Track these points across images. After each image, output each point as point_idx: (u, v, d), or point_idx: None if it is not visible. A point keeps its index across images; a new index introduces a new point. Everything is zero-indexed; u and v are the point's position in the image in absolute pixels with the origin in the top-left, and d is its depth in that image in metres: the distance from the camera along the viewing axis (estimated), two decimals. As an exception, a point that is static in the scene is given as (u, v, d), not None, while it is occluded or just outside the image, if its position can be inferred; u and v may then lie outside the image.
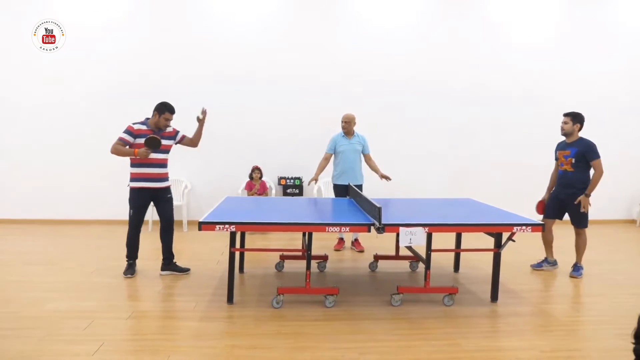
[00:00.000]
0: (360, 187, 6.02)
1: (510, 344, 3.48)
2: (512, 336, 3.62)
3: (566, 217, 5.28)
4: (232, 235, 4.10)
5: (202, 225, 3.80)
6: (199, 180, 7.91)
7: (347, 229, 4.14)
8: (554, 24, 8.32)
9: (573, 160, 5.07)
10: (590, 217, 5.18)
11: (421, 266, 5.23)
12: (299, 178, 7.82)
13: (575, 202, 5.04)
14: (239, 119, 7.85)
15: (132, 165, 4.82)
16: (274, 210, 4.61)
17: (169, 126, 4.94)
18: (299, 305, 4.13)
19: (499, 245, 4.30)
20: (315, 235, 4.38)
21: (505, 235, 4.29)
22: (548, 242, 5.36)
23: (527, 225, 4.03)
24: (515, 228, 4.05)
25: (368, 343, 3.42)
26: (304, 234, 4.61)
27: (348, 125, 6.07)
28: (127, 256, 5.00)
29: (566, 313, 4.18)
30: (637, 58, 8.46)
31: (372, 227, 3.87)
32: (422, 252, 4.36)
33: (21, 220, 7.66)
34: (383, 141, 7.72)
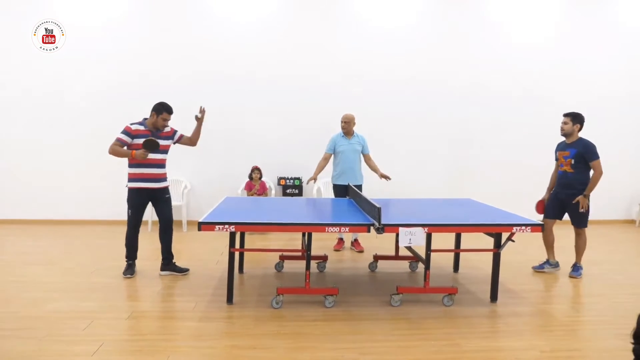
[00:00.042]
0: (359, 187, 6.02)
1: (509, 344, 3.48)
2: (511, 336, 3.62)
3: (566, 217, 5.28)
4: (232, 236, 4.10)
5: (202, 226, 3.80)
6: (198, 181, 7.91)
7: (347, 229, 4.14)
8: (554, 24, 8.32)
9: (572, 161, 5.07)
10: (590, 217, 5.17)
11: (421, 266, 5.23)
12: (298, 178, 7.82)
13: (574, 202, 5.04)
14: (238, 119, 7.86)
15: (130, 165, 4.82)
16: (273, 211, 4.61)
17: (166, 126, 4.93)
18: (299, 306, 4.13)
19: (498, 246, 4.30)
20: (314, 235, 4.38)
21: (504, 236, 4.30)
22: (549, 244, 5.34)
23: (526, 225, 4.03)
24: (514, 228, 4.05)
25: (368, 343, 3.42)
26: (303, 234, 4.61)
27: (348, 126, 6.07)
28: (127, 256, 5.00)
29: (566, 313, 4.18)
30: (636, 58, 8.46)
31: (371, 228, 3.88)
32: (422, 252, 4.36)
33: (21, 220, 7.66)
34: (383, 141, 7.72)
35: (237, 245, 4.66)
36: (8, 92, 7.59)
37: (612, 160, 7.91)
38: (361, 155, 6.21)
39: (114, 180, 7.08)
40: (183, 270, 5.03)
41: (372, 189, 6.29)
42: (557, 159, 5.34)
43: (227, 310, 4.04)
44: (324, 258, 5.32)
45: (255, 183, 7.54)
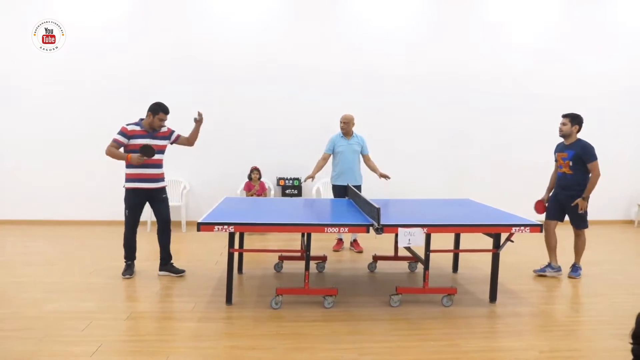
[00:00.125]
0: (359, 187, 6.02)
1: (509, 344, 3.48)
2: (510, 336, 3.62)
3: (566, 218, 5.27)
4: (231, 236, 4.10)
5: (201, 226, 3.80)
6: (197, 181, 7.90)
7: (346, 229, 4.16)
8: (554, 24, 8.32)
9: (571, 163, 5.05)
10: (589, 217, 5.17)
11: (420, 267, 5.22)
12: (297, 179, 7.81)
13: (573, 205, 5.03)
14: (238, 120, 7.85)
15: (128, 165, 4.81)
16: (272, 211, 4.61)
17: (163, 126, 4.92)
18: (298, 306, 4.13)
19: (497, 246, 4.31)
20: (314, 235, 4.37)
21: (503, 236, 4.30)
22: (551, 246, 5.26)
23: (525, 225, 4.03)
24: (513, 229, 4.05)
25: (367, 344, 3.42)
26: (302, 235, 4.61)
27: (347, 126, 6.07)
28: (125, 257, 5.00)
29: (565, 313, 4.19)
30: (636, 58, 8.47)
31: (370, 228, 3.88)
32: (421, 253, 4.36)
33: (21, 220, 7.65)
34: (382, 141, 7.72)
35: (237, 246, 4.65)
36: (8, 92, 7.58)
37: (611, 161, 7.94)
38: (360, 156, 6.21)
39: (114, 181, 7.05)
40: (179, 272, 5.02)
41: (371, 190, 6.29)
42: (556, 160, 5.34)
43: (227, 310, 4.04)
44: (323, 258, 5.31)
45: (254, 183, 7.54)
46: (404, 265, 5.44)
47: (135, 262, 5.06)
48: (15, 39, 7.46)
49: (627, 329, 1.89)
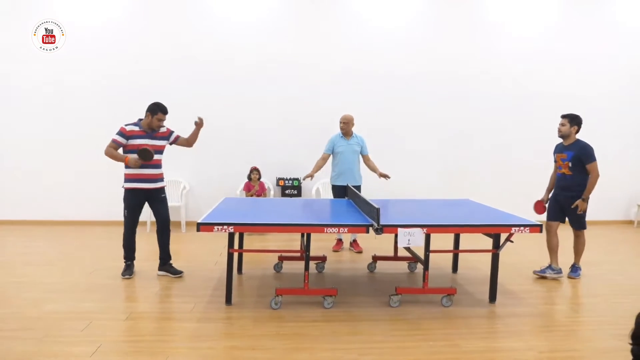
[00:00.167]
0: (358, 188, 6.02)
1: (508, 344, 3.48)
2: (510, 337, 3.62)
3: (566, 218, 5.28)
4: (231, 236, 4.10)
5: (201, 226, 3.80)
6: (197, 181, 7.90)
7: (346, 229, 4.16)
8: (554, 24, 8.32)
9: (570, 164, 5.04)
10: (588, 217, 5.17)
11: (419, 267, 5.22)
12: (297, 179, 7.81)
13: (572, 207, 5.03)
14: (237, 120, 7.85)
15: (126, 165, 4.82)
16: (272, 211, 4.61)
17: (162, 126, 4.91)
18: (298, 306, 4.13)
19: (497, 246, 4.31)
20: (313, 236, 4.38)
21: (503, 236, 4.30)
22: (553, 248, 5.21)
23: (525, 226, 4.03)
24: (513, 229, 4.05)
25: (367, 344, 3.42)
26: (302, 235, 4.61)
27: (346, 126, 6.08)
28: (125, 257, 5.00)
29: (564, 314, 4.19)
30: (636, 58, 8.47)
31: (370, 228, 3.88)
32: (421, 253, 4.36)
33: (20, 221, 7.65)
34: (381, 141, 7.72)
35: (236, 246, 4.65)
36: (8, 92, 7.58)
37: (611, 161, 7.95)
38: (360, 156, 6.22)
39: (113, 181, 7.06)
40: (177, 273, 5.01)
41: (371, 190, 6.29)
42: (555, 161, 5.33)
43: (226, 311, 4.04)
44: (322, 259, 5.32)
45: (254, 184, 7.54)
46: (403, 266, 5.45)
47: (135, 262, 5.06)
48: (15, 39, 7.46)
49: (626, 329, 1.89)
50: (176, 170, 7.59)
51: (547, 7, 8.30)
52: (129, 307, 4.14)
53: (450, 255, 5.44)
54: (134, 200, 4.89)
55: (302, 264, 4.37)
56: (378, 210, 3.78)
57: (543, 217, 5.39)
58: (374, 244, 6.32)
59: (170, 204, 5.19)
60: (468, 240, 5.16)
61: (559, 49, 8.30)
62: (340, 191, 6.09)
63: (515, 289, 4.75)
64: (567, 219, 5.21)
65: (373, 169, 6.21)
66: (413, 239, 3.83)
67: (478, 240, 4.65)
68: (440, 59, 8.11)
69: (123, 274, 4.90)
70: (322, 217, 4.48)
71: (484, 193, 7.58)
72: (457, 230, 4.46)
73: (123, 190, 4.90)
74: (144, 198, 4.93)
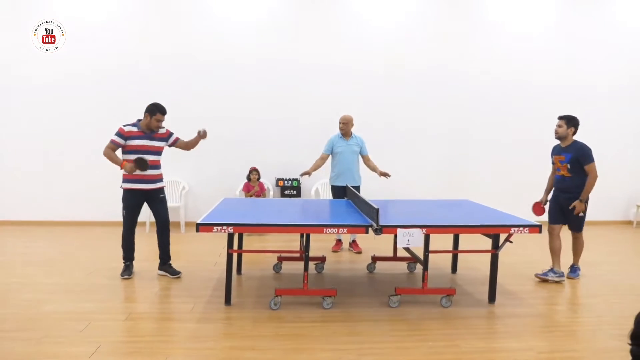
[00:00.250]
0: (357, 188, 6.02)
1: (507, 345, 3.48)
2: (509, 337, 3.62)
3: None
4: (230, 237, 4.10)
5: (200, 227, 3.80)
6: (196, 182, 7.90)
7: (345, 230, 4.15)
8: (553, 25, 8.32)
9: (569, 166, 5.01)
10: (587, 218, 5.15)
11: (419, 267, 5.23)
12: (296, 179, 7.81)
13: (570, 207, 5.01)
14: (236, 120, 7.85)
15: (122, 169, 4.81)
16: (271, 212, 4.61)
17: (161, 127, 4.90)
18: (297, 307, 4.13)
19: (496, 247, 4.31)
20: (313, 236, 4.37)
21: (502, 237, 4.30)
22: (556, 251, 5.16)
23: (524, 226, 4.03)
24: (512, 229, 4.06)
25: (366, 344, 3.42)
26: (301, 236, 4.61)
27: (346, 127, 6.08)
28: (124, 258, 4.99)
29: (564, 314, 4.19)
30: (635, 58, 8.48)
31: (369, 229, 3.88)
32: (420, 253, 4.37)
33: (20, 221, 7.64)
34: (381, 142, 7.73)
35: (235, 247, 4.66)
36: (8, 92, 7.57)
37: (610, 161, 7.97)
38: (359, 157, 6.21)
39: (113, 181, 7.06)
40: (175, 273, 5.00)
41: (370, 190, 6.29)
42: (553, 163, 5.30)
43: (225, 311, 4.04)
44: (322, 259, 5.32)
45: (253, 184, 7.54)
46: (403, 266, 5.45)
47: (134, 262, 5.06)
48: (15, 39, 7.45)
49: (626, 329, 1.89)
50: (175, 171, 7.59)
51: (547, 7, 8.31)
52: (129, 307, 4.14)
53: (450, 255, 5.44)
54: (132, 201, 4.89)
55: (301, 264, 4.38)
56: (377, 210, 3.78)
57: (542, 218, 5.39)
58: (373, 244, 6.32)
59: (169, 204, 5.19)
60: (467, 240, 5.16)
61: (558, 49, 8.31)
62: (339, 191, 6.09)
63: (515, 290, 4.75)
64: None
65: (373, 168, 6.21)
66: (412, 240, 3.83)
67: (477, 241, 4.65)
68: (440, 59, 8.11)
69: (122, 275, 4.90)
70: (322, 218, 4.48)
71: (484, 193, 7.59)
72: (457, 230, 4.46)
73: (122, 190, 4.90)
74: (143, 198, 4.93)
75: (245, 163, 7.74)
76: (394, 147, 8.06)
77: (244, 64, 7.79)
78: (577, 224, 5.09)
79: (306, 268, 4.12)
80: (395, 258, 5.28)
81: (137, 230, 5.04)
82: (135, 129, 4.79)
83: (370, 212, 4.06)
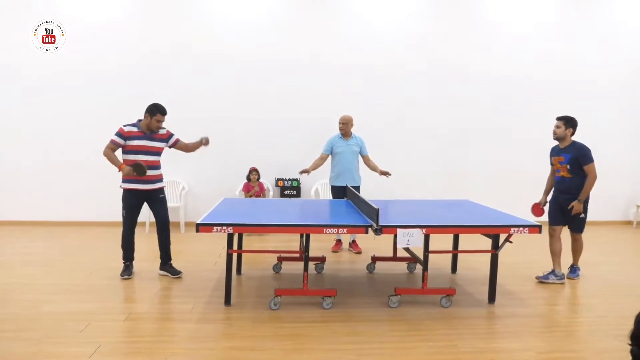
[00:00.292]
0: (357, 188, 6.02)
1: (507, 345, 3.48)
2: (509, 337, 3.62)
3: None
4: (230, 237, 4.10)
5: (200, 227, 3.80)
6: (196, 182, 7.90)
7: (345, 230, 4.15)
8: (553, 25, 8.32)
9: (568, 166, 4.98)
10: (587, 218, 5.14)
11: (419, 267, 5.23)
12: (296, 179, 7.81)
13: (569, 207, 4.99)
14: (236, 120, 7.85)
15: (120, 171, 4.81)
16: (271, 212, 4.61)
17: (161, 128, 4.90)
18: (297, 307, 4.13)
19: (496, 247, 4.31)
20: (312, 236, 4.37)
21: (502, 237, 4.30)
22: (556, 252, 5.13)
23: (524, 226, 4.03)
24: (512, 229, 4.05)
25: (366, 345, 3.42)
26: (301, 236, 4.61)
27: (345, 127, 6.08)
28: (124, 258, 4.99)
29: (563, 314, 4.19)
30: (636, 58, 8.47)
31: (369, 229, 3.88)
32: (420, 254, 4.36)
33: (20, 221, 7.64)
34: (381, 142, 7.74)
35: (235, 247, 4.66)
36: (7, 92, 7.57)
37: (610, 162, 7.97)
38: (359, 157, 6.21)
39: (113, 181, 7.06)
40: (176, 273, 5.00)
41: (370, 190, 6.29)
42: (552, 164, 5.27)
43: (225, 311, 4.03)
44: (322, 259, 5.31)
45: (253, 184, 7.54)
46: (402, 266, 5.45)
47: (134, 262, 5.06)
48: (15, 39, 7.45)
49: (625, 329, 1.89)
50: (175, 171, 7.58)
51: (547, 7, 8.31)
52: (128, 307, 4.14)
53: (450, 255, 5.44)
54: (132, 201, 4.89)
55: (301, 264, 4.37)
56: (377, 210, 3.78)
57: (541, 218, 5.38)
58: (373, 244, 6.31)
59: (169, 204, 5.19)
60: (467, 240, 5.16)
61: (558, 49, 8.30)
62: (339, 192, 6.09)
63: (515, 290, 4.75)
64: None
65: (373, 168, 6.21)
66: (412, 240, 3.83)
67: (477, 241, 4.65)
68: (440, 59, 8.11)
69: (122, 275, 4.89)
70: (321, 218, 4.48)
71: (483, 193, 7.58)
72: (457, 230, 4.46)
73: (122, 190, 4.90)
74: (143, 198, 4.93)
75: (245, 163, 7.74)
76: (394, 147, 8.06)
77: (244, 64, 7.79)
78: (578, 225, 5.08)
79: (306, 268, 4.12)
80: (395, 258, 5.27)
81: (137, 230, 5.05)
82: (135, 129, 4.78)
83: (370, 212, 4.06)
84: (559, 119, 5.11)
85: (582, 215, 5.01)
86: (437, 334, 3.65)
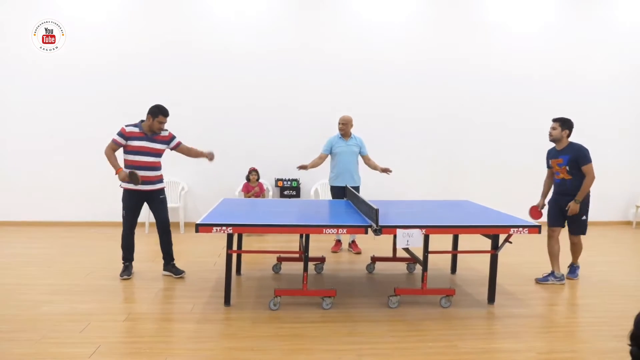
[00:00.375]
0: (357, 189, 6.02)
1: (507, 345, 3.48)
2: (509, 338, 3.62)
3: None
4: (229, 237, 4.10)
5: (199, 227, 3.79)
6: (195, 182, 7.90)
7: (345, 230, 4.15)
8: (553, 25, 8.32)
9: (568, 168, 4.95)
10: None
11: (418, 268, 5.23)
12: (296, 180, 7.81)
13: (566, 208, 4.98)
14: (236, 120, 7.85)
15: (126, 166, 4.81)
16: (271, 212, 4.61)
17: (163, 129, 4.89)
18: (296, 307, 4.13)
19: (495, 247, 4.31)
20: (312, 237, 4.36)
21: (502, 237, 4.30)
22: (555, 254, 5.11)
23: (524, 227, 4.03)
24: (512, 230, 4.05)
25: (365, 345, 3.42)
26: (301, 236, 4.61)
27: (345, 127, 6.08)
28: (123, 258, 4.99)
29: (563, 315, 4.19)
30: (636, 58, 8.47)
31: (369, 229, 3.88)
32: (420, 254, 4.36)
33: (20, 221, 7.64)
34: (381, 142, 7.73)
35: (235, 247, 4.66)
36: (7, 93, 7.57)
37: (609, 162, 7.97)
38: (359, 157, 6.21)
39: (113, 181, 7.06)
40: (178, 273, 5.00)
41: (370, 191, 6.29)
42: (549, 167, 5.23)
43: (225, 312, 4.03)
44: (321, 260, 5.31)
45: (252, 184, 7.54)
46: (402, 267, 5.44)
47: (134, 263, 5.06)
48: (15, 39, 7.45)
49: (625, 330, 1.89)
50: (175, 171, 7.58)
51: (547, 7, 8.31)
52: (128, 308, 4.14)
53: (449, 256, 5.44)
54: (132, 201, 4.89)
55: (300, 264, 4.37)
56: (377, 211, 3.78)
57: (540, 219, 5.38)
58: (373, 244, 6.32)
59: (168, 204, 5.18)
60: (467, 241, 5.16)
61: (558, 49, 8.30)
62: (339, 192, 6.09)
63: (514, 290, 4.75)
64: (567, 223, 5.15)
65: (374, 167, 6.20)
66: (412, 240, 3.83)
67: (477, 241, 4.65)
68: (440, 59, 8.11)
69: (121, 275, 4.89)
70: (321, 218, 4.48)
71: (483, 194, 7.58)
72: (456, 231, 4.46)
73: (122, 190, 4.90)
74: (143, 199, 4.93)
75: (245, 163, 7.74)
76: (394, 147, 8.06)
77: (244, 64, 7.79)
78: (578, 227, 5.03)
79: (305, 268, 4.12)
80: (394, 258, 5.28)
81: (137, 230, 5.04)
82: (137, 129, 4.78)
83: (369, 212, 4.06)
84: (554, 120, 5.08)
85: (584, 217, 4.99)
86: (436, 334, 3.65)
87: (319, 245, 6.41)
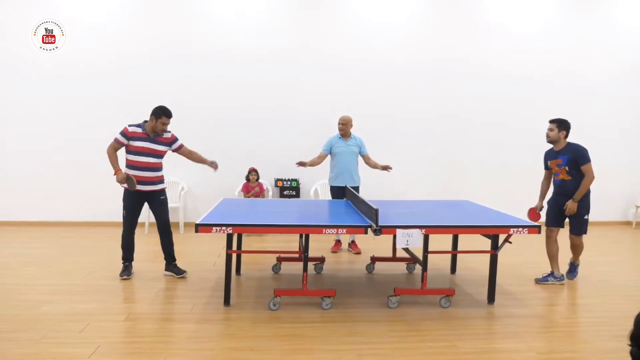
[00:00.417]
0: (357, 189, 6.02)
1: (506, 345, 3.48)
2: (508, 338, 3.62)
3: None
4: (229, 237, 4.10)
5: (199, 227, 3.79)
6: (195, 182, 7.90)
7: (344, 230, 4.15)
8: (553, 25, 8.32)
9: (567, 168, 4.93)
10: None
11: (418, 268, 5.23)
12: (295, 180, 7.81)
13: (564, 207, 4.96)
14: (236, 121, 7.85)
15: (127, 166, 4.82)
16: (270, 212, 4.61)
17: (166, 131, 4.90)
18: (296, 307, 4.12)
19: (495, 247, 4.31)
20: (312, 237, 4.36)
21: (502, 237, 4.30)
22: (553, 255, 5.10)
23: (523, 227, 4.03)
24: (512, 230, 4.05)
25: (365, 345, 3.42)
26: (300, 236, 4.61)
27: (345, 127, 6.07)
28: (123, 258, 4.99)
29: (563, 315, 4.19)
30: (636, 59, 8.47)
31: (369, 229, 3.88)
32: (419, 254, 4.36)
33: (20, 221, 7.64)
34: (381, 142, 7.73)
35: (235, 247, 4.66)
36: (7, 93, 7.57)
37: (609, 162, 7.98)
38: (358, 157, 6.21)
39: (113, 181, 7.06)
40: (180, 273, 5.01)
41: (369, 191, 6.28)
42: (548, 168, 5.21)
43: (225, 312, 4.03)
44: (321, 260, 5.31)
45: (252, 184, 7.54)
46: (402, 267, 5.44)
47: (134, 263, 5.06)
48: (15, 39, 7.45)
49: (625, 330, 1.89)
50: (175, 171, 7.57)
51: (547, 7, 8.31)
52: (128, 308, 4.14)
53: (449, 256, 5.44)
54: (132, 201, 4.89)
55: (300, 265, 4.37)
56: (376, 211, 3.78)
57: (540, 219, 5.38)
58: (373, 244, 6.32)
59: (168, 204, 5.18)
60: (466, 241, 5.16)
61: (558, 49, 8.30)
62: (338, 192, 6.08)
63: (514, 290, 4.75)
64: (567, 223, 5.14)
65: (374, 166, 6.19)
66: (412, 240, 3.83)
67: (476, 241, 4.65)
68: (439, 59, 8.11)
69: (121, 275, 4.89)
70: (321, 218, 4.47)
71: (483, 194, 7.58)
72: (456, 231, 4.46)
73: (123, 189, 4.90)
74: (143, 199, 4.93)
75: (245, 163, 7.74)
76: (394, 147, 8.05)
77: (243, 64, 7.79)
78: (578, 227, 5.01)
79: (305, 268, 4.12)
80: (394, 258, 5.28)
81: (137, 230, 5.04)
82: (139, 130, 4.78)
83: (369, 212, 4.06)
84: (551, 121, 5.06)
85: (586, 216, 4.98)
86: (436, 334, 3.65)
87: (319, 245, 6.41)
